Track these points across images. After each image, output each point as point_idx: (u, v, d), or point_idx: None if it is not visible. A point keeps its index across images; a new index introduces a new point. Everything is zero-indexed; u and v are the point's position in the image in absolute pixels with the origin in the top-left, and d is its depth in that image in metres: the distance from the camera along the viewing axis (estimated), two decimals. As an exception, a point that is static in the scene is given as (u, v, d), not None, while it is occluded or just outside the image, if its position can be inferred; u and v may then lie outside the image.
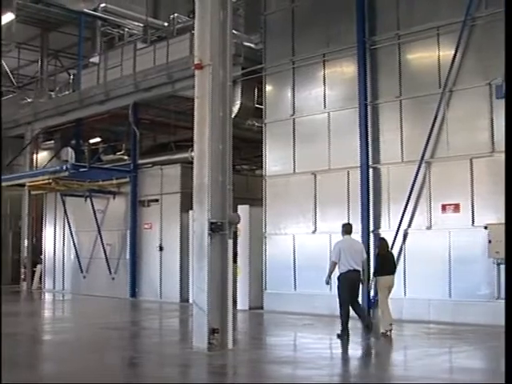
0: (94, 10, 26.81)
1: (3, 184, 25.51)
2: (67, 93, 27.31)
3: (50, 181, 22.67)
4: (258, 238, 19.09)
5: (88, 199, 24.34)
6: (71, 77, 28.54)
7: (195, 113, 11.88)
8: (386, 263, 13.82)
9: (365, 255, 13.39)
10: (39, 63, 32.34)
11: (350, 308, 13.09)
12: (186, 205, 20.27)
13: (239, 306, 18.71)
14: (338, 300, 13.11)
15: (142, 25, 29.02)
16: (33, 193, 27.24)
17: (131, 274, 23.06)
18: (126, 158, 25.56)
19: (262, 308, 18.78)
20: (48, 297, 26.10)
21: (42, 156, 30.23)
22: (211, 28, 11.94)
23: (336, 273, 13.11)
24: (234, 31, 14.10)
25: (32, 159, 28.75)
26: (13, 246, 30.69)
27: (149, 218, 22.93)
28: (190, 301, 18.13)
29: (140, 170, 23.36)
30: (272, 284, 18.71)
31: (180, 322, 17.72)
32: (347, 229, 13.49)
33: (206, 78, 11.72)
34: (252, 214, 19.18)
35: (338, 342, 12.86)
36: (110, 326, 15.96)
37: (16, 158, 28.76)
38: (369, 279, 13.85)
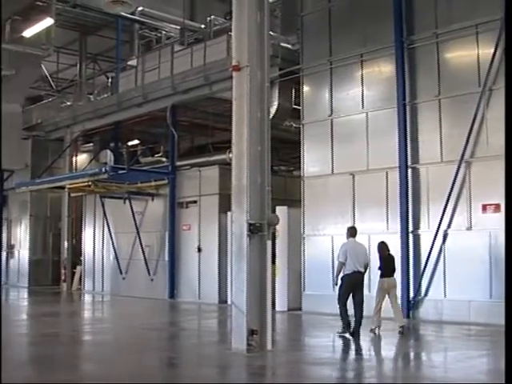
0: (132, 13, 26.96)
1: (45, 186, 25.85)
2: (106, 96, 27.54)
3: (90, 183, 22.82)
4: (297, 239, 19.07)
5: (127, 201, 24.52)
6: (109, 80, 28.78)
7: (233, 114, 11.91)
8: (388, 265, 13.96)
9: (368, 258, 13.87)
10: (78, 67, 32.63)
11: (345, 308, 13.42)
12: (225, 206, 20.32)
13: (277, 308, 18.69)
14: (337, 299, 13.56)
15: (179, 27, 29.14)
16: (72, 195, 27.44)
17: (170, 275, 23.16)
18: (164, 159, 25.70)
19: (300, 309, 18.74)
20: (87, 298, 26.34)
21: (82, 158, 30.55)
22: (248, 29, 11.96)
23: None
24: (270, 32, 14.08)
25: (71, 162, 29.02)
26: (53, 248, 31.02)
27: (187, 219, 23.03)
28: (229, 302, 18.18)
29: (178, 172, 23.45)
30: (310, 285, 18.66)
31: (218, 323, 17.77)
32: (352, 232, 13.97)
33: (243, 79, 11.74)
34: (290, 215, 19.16)
35: (376, 343, 12.78)
36: (149, 327, 16.06)
37: (56, 161, 29.05)
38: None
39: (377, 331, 13.75)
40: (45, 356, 11.87)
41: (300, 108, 19.73)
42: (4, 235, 32.65)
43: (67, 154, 28.92)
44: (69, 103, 30.28)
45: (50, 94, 34.15)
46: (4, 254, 32.61)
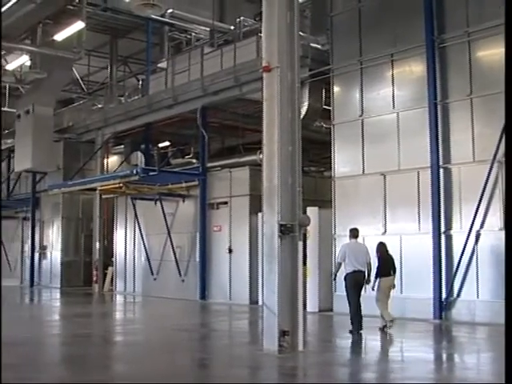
0: (162, 15, 27.09)
1: (77, 188, 26.07)
2: (136, 98, 27.71)
3: (121, 185, 22.99)
4: (327, 239, 19.03)
5: (158, 202, 24.65)
6: (140, 82, 29.00)
7: (264, 115, 11.91)
8: (386, 265, 14.41)
9: (369, 257, 14.23)
10: (109, 69, 32.89)
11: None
12: (255, 207, 20.33)
13: (309, 308, 18.64)
14: (346, 299, 14.25)
15: (208, 29, 29.25)
16: (104, 196, 27.66)
17: (201, 276, 23.23)
18: (194, 161, 25.82)
19: (331, 310, 18.68)
20: (119, 299, 26.50)
21: (113, 160, 30.77)
22: (279, 30, 11.96)
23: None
24: (300, 33, 14.05)
25: (103, 164, 29.23)
26: (85, 249, 31.27)
27: (218, 220, 23.09)
28: (260, 303, 18.18)
29: (209, 173, 23.52)
30: (342, 286, 18.52)
31: (249, 324, 17.77)
32: (354, 233, 14.59)
33: (274, 80, 11.74)
34: (321, 215, 19.13)
35: (407, 344, 12.70)
36: (181, 328, 16.11)
37: (87, 163, 29.30)
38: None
39: (386, 329, 14.11)
40: (77, 356, 11.95)
41: (330, 108, 19.69)
42: (37, 236, 33.03)
43: (98, 156, 29.13)
44: (100, 106, 30.50)
45: (81, 97, 34.46)
46: (37, 255, 32.98)
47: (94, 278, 28.99)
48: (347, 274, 14.03)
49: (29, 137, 28.16)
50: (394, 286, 14.68)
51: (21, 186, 35.28)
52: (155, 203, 25.06)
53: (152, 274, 25.71)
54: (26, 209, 33.95)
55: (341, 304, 18.31)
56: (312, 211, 18.08)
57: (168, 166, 25.88)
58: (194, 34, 29.89)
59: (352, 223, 18.40)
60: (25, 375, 9.97)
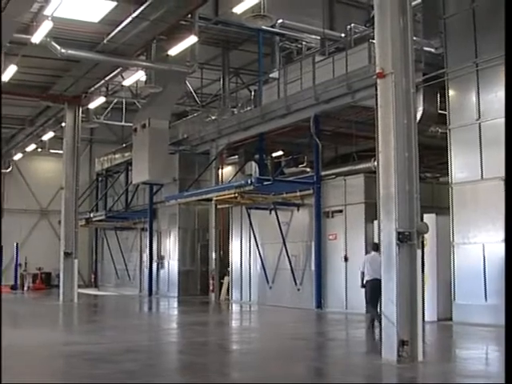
0: (272, 26, 27.26)
1: (193, 199, 26.56)
2: (249, 109, 27.97)
3: (236, 195, 23.23)
4: (445, 247, 18.62)
5: (273, 212, 24.79)
6: (252, 93, 29.23)
7: (379, 122, 11.81)
8: None
9: None
10: (221, 81, 33.34)
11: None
12: (371, 215, 20.17)
13: (427, 318, 18.23)
14: (365, 301, 16.80)
15: (319, 37, 29.21)
16: (219, 207, 28.02)
17: (316, 285, 23.16)
18: (308, 170, 25.83)
19: (450, 319, 18.25)
20: (235, 307, 26.75)
21: (227, 171, 31.22)
22: (392, 35, 11.86)
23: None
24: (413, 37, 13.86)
25: (218, 174, 29.63)
26: (201, 258, 31.77)
27: (333, 228, 22.98)
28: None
29: (323, 182, 23.46)
30: (461, 295, 18.13)
31: (366, 333, 17.57)
32: (373, 246, 16.97)
33: (388, 86, 11.64)
34: (438, 222, 18.74)
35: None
36: (297, 337, 16.12)
37: (202, 174, 29.80)
38: None
39: None
40: (195, 363, 12.16)
41: (446, 113, 19.28)
42: (154, 247, 33.87)
43: (213, 167, 29.56)
44: (213, 117, 30.97)
45: (195, 109, 35.10)
46: (155, 264, 33.81)
47: (211, 287, 29.40)
48: (367, 282, 16.47)
49: (145, 150, 28.90)
50: None
51: (138, 197, 36.31)
52: (270, 212, 25.23)
53: (267, 282, 25.86)
54: (143, 220, 34.86)
55: (461, 313, 17.95)
56: (429, 218, 17.69)
57: (282, 175, 25.99)
58: (304, 42, 29.89)
59: (471, 230, 18.04)
60: (145, 380, 10.22)
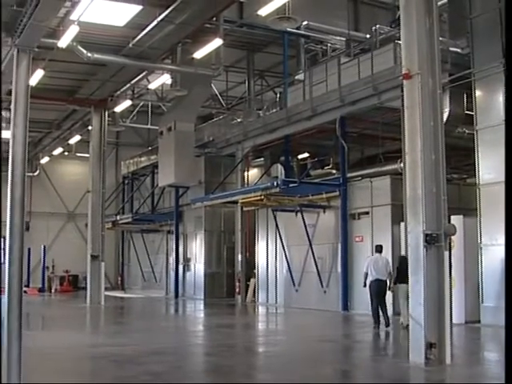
0: (297, 28, 27.23)
1: (218, 201, 26.63)
2: (274, 111, 27.94)
3: (262, 197, 23.24)
4: (473, 249, 18.46)
5: (299, 214, 24.77)
6: (277, 95, 29.21)
7: (405, 123, 11.76)
8: (404, 274, 14.50)
9: (389, 268, 17.51)
10: (246, 84, 33.33)
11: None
12: (397, 217, 20.08)
13: (454, 320, 18.02)
14: (369, 300, 17.79)
15: (344, 39, 29.11)
16: (245, 209, 28.03)
17: (343, 287, 23.09)
18: (334, 171, 25.76)
19: (478, 322, 18.10)
20: (261, 310, 26.76)
21: (253, 173, 31.21)
22: (418, 36, 11.81)
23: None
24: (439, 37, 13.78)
25: (243, 177, 29.65)
26: (227, 261, 31.83)
27: (359, 230, 22.91)
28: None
29: (349, 184, 23.40)
30: (490, 297, 17.96)
31: (393, 335, 17.49)
32: (377, 249, 17.98)
33: (415, 87, 11.59)
34: (466, 224, 18.57)
35: None
36: (323, 339, 16.10)
37: (228, 176, 29.85)
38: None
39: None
40: (222, 365, 12.18)
41: (472, 113, 19.13)
42: (181, 249, 33.98)
43: (239, 170, 29.59)
44: (239, 120, 30.99)
45: (221, 112, 35.12)
46: (181, 267, 33.92)
47: (237, 290, 29.43)
48: (370, 282, 17.41)
49: (171, 153, 29.02)
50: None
51: (164, 200, 36.46)
52: (296, 214, 25.21)
53: (294, 285, 25.82)
54: (170, 222, 35.01)
55: (489, 315, 17.78)
56: (457, 220, 17.59)
57: (308, 177, 25.93)
58: (329, 44, 29.79)
59: (499, 232, 17.83)
60: (171, 382, 10.25)
